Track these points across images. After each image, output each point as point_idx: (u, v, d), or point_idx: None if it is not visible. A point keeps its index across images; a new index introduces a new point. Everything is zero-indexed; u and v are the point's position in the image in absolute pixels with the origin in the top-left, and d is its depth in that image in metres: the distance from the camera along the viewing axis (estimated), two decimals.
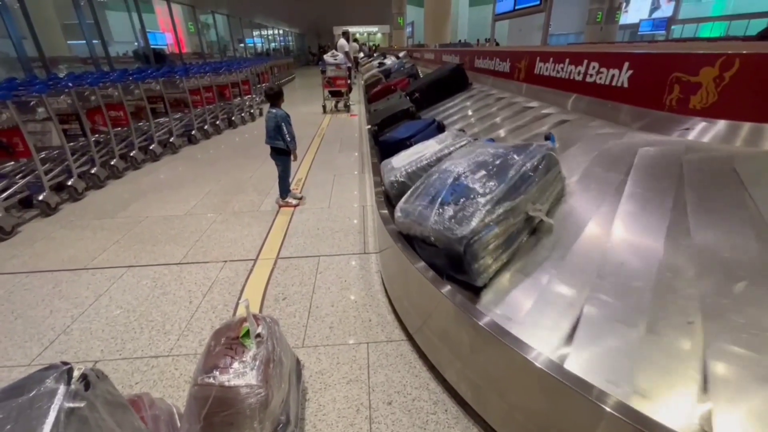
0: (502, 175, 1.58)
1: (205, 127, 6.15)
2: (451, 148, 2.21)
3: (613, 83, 2.42)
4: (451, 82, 4.48)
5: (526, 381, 1.13)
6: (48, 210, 3.37)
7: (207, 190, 3.87)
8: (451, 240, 1.41)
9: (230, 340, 1.28)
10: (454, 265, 1.49)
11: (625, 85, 2.32)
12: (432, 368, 1.63)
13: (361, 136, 5.86)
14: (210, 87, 6.32)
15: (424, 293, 1.56)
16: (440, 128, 2.93)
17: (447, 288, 1.41)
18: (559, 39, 25.13)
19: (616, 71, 2.40)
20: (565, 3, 25.53)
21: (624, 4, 21.20)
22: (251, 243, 2.78)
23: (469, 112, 3.69)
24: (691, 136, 1.80)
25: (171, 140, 5.28)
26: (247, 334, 1.27)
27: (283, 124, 3.07)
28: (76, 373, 0.72)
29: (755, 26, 17.20)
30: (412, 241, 1.69)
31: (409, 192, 1.77)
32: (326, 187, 3.83)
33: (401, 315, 1.93)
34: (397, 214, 1.72)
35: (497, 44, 17.77)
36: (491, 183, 1.54)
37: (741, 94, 1.67)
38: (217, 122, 6.51)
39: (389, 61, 9.43)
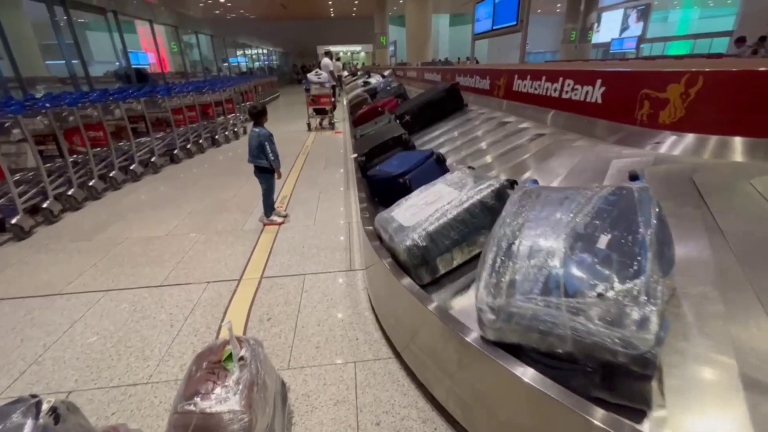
0: (628, 237, 1.04)
1: (188, 146, 6.10)
2: (477, 196, 1.72)
3: (588, 99, 2.52)
4: (446, 103, 4.22)
5: (515, 397, 1.12)
6: (21, 234, 3.25)
7: (189, 209, 3.81)
8: (635, 352, 0.89)
9: (212, 364, 1.24)
10: (610, 382, 1.00)
11: (599, 101, 2.41)
12: (420, 386, 1.61)
13: (346, 153, 5.90)
14: (193, 106, 6.30)
15: (410, 310, 1.55)
16: (439, 161, 2.49)
17: (434, 304, 1.40)
18: (536, 57, 26.11)
19: (590, 88, 2.50)
20: (541, 23, 26.67)
21: (596, 25, 22.26)
22: (235, 263, 2.73)
23: (471, 137, 3.42)
24: (663, 149, 1.87)
25: (152, 160, 5.20)
26: (229, 357, 1.24)
27: (266, 143, 3.07)
28: (45, 406, 0.69)
29: (717, 45, 18.29)
30: (518, 353, 1.13)
31: (483, 278, 1.16)
32: (311, 204, 3.82)
33: (388, 332, 1.91)
34: (488, 316, 1.11)
35: (477, 62, 18.34)
36: (628, 252, 1.00)
37: (706, 109, 1.75)
38: (200, 141, 6.46)
39: (374, 79, 9.23)
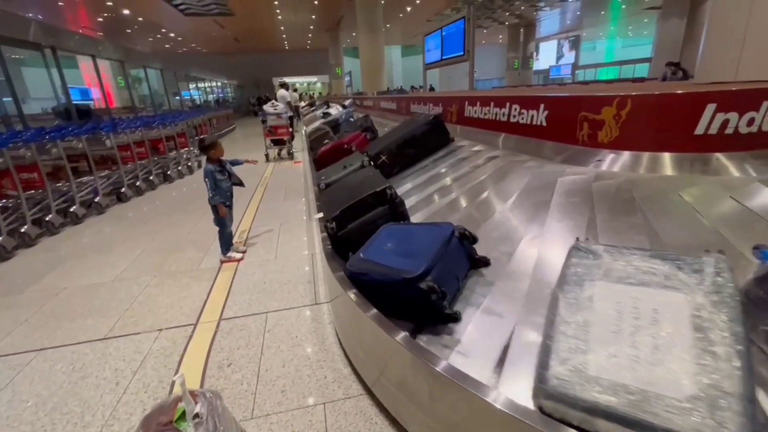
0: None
1: (137, 183, 5.78)
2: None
3: (534, 122, 2.67)
4: (429, 139, 3.60)
5: (489, 424, 1.10)
6: None
7: (139, 251, 3.55)
8: None
9: (162, 426, 1.12)
10: None
11: (544, 123, 2.57)
12: (394, 422, 1.54)
13: (306, 182, 5.84)
14: (142, 142, 6.02)
15: (377, 341, 1.50)
16: (465, 239, 1.71)
17: (401, 335, 1.37)
18: (484, 83, 27.82)
19: (534, 112, 2.66)
20: (487, 52, 28.65)
21: (535, 53, 24.25)
22: (190, 306, 2.55)
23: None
24: (604, 166, 2.00)
25: (96, 200, 4.86)
26: (182, 415, 1.12)
27: (206, 179, 2.98)
28: None
29: (640, 70, 20.44)
30: None
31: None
32: (272, 238, 3.70)
33: (358, 367, 1.83)
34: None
35: (432, 89, 19.21)
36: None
37: (637, 129, 1.91)
38: (151, 177, 6.15)
39: (334, 110, 8.66)
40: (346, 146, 4.13)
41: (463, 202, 2.43)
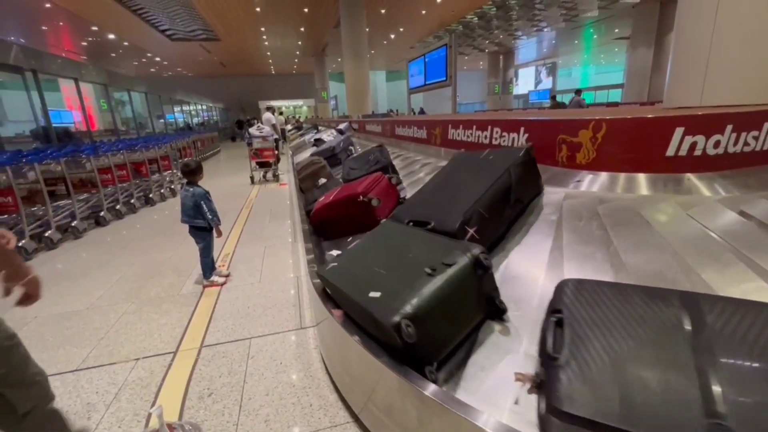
0: None
1: (117, 206, 5.65)
2: None
3: (515, 145, 2.75)
4: (526, 188, 2.09)
5: None
6: None
7: (117, 276, 3.43)
8: None
9: None
10: None
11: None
12: None
13: (292, 204, 5.81)
14: (123, 164, 5.93)
15: (364, 365, 1.47)
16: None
17: (387, 358, 1.34)
18: (467, 107, 28.69)
19: (515, 135, 2.74)
20: (469, 78, 29.67)
21: (514, 79, 25.28)
22: (170, 333, 2.46)
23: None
24: (583, 187, 2.07)
25: (73, 224, 4.71)
26: None
27: (202, 202, 2.93)
28: None
29: (613, 95, 21.47)
30: None
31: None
32: (256, 261, 3.63)
33: (344, 393, 1.78)
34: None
35: (423, 112, 19.65)
36: None
37: (612, 151, 1.99)
38: (132, 200, 6.03)
39: (327, 135, 7.35)
40: (361, 198, 2.53)
41: None
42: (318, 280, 2.02)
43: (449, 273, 1.38)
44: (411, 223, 1.90)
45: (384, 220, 2.12)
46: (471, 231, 1.74)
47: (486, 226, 1.80)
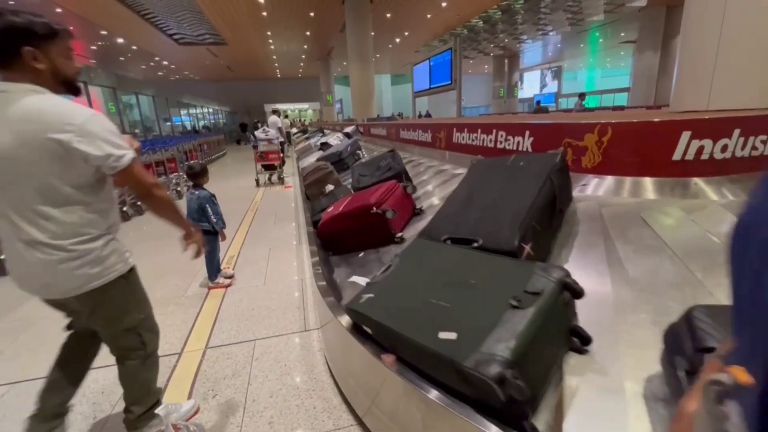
0: None
1: (124, 208, 5.70)
2: None
3: (520, 148, 2.75)
4: (563, 195, 1.87)
5: None
6: None
7: None
8: None
9: None
10: None
11: (530, 149, 2.64)
12: None
13: (297, 207, 5.84)
14: None
15: (368, 368, 1.46)
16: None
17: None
18: (471, 111, 28.70)
19: (520, 138, 2.74)
20: (474, 81, 29.68)
21: (519, 83, 25.24)
22: (175, 334, 2.47)
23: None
24: (588, 191, 2.06)
25: None
26: None
27: (207, 205, 2.95)
28: None
29: (619, 99, 21.37)
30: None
31: None
32: (261, 263, 3.65)
33: (348, 397, 1.78)
34: None
35: (429, 115, 19.62)
36: None
37: (618, 155, 1.98)
38: (138, 202, 6.08)
39: (333, 139, 7.24)
40: (375, 210, 2.32)
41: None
42: (323, 283, 2.02)
43: (540, 304, 1.11)
44: (448, 241, 1.68)
45: (416, 237, 1.89)
46: (527, 248, 1.51)
47: (539, 240, 1.59)
